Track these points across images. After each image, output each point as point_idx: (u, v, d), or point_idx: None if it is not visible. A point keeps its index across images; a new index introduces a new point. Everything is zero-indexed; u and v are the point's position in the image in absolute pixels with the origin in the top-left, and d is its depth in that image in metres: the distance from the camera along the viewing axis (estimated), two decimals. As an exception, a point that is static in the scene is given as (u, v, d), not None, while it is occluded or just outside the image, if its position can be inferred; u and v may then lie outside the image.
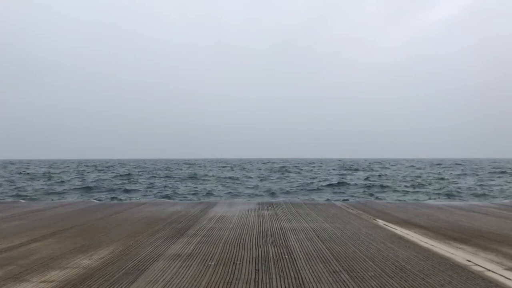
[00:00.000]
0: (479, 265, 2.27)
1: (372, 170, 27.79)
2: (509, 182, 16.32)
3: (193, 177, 20.47)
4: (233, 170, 29.07)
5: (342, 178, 19.66)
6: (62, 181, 17.73)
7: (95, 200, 6.83)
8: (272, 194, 12.32)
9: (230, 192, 12.78)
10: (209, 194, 12.37)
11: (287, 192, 12.79)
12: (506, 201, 6.46)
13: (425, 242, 2.93)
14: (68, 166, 40.74)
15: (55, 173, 24.60)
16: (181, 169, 30.28)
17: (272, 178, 19.76)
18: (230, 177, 20.02)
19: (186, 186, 15.40)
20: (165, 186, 14.88)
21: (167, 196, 11.37)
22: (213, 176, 21.43)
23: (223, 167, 36.67)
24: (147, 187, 14.60)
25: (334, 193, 12.73)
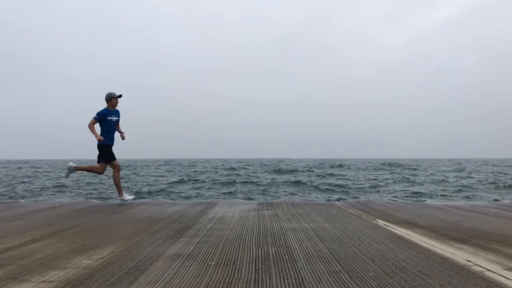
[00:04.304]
0: (479, 265, 2.26)
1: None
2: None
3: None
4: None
5: None
6: None
7: (95, 200, 6.83)
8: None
9: None
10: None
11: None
12: (506, 201, 6.46)
13: (425, 242, 2.93)
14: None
15: None
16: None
17: None
18: None
19: None
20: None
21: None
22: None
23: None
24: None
25: None
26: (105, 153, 6.00)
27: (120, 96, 6.09)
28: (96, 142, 5.93)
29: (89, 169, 6.15)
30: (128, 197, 6.06)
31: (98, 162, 6.05)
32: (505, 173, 27.55)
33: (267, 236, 3.22)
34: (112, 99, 6.05)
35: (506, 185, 17.63)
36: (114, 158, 6.08)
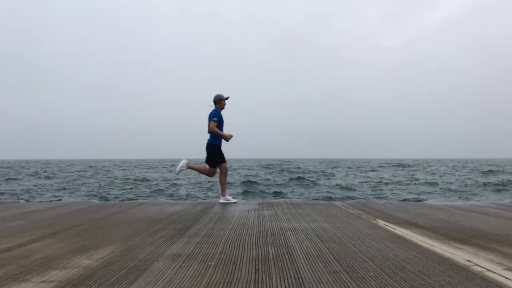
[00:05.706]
0: (479, 265, 2.27)
1: None
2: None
3: None
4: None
5: None
6: None
7: (95, 200, 6.83)
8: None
9: None
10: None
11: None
12: (506, 201, 6.47)
13: (425, 242, 2.93)
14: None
15: None
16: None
17: None
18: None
19: None
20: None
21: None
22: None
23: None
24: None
25: None
26: (215, 153, 5.96)
27: (227, 98, 6.10)
28: (206, 142, 5.96)
29: (202, 171, 6.09)
30: (232, 199, 6.02)
31: (209, 165, 6.00)
32: (503, 173, 27.60)
33: (267, 236, 3.22)
34: (221, 101, 6.05)
35: (504, 185, 17.63)
36: (224, 160, 6.02)
